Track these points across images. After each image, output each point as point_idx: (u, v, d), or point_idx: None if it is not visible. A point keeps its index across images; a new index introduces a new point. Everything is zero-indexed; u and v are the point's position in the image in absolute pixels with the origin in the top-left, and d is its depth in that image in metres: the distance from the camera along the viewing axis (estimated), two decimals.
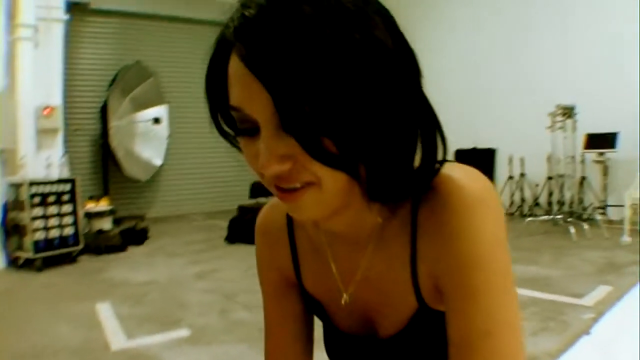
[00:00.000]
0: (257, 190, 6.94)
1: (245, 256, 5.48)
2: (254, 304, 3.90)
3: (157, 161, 8.30)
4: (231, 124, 0.62)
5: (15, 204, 5.34)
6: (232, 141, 0.65)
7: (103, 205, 6.43)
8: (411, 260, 0.68)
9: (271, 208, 0.85)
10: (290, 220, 0.81)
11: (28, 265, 5.25)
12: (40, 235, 5.23)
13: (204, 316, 3.77)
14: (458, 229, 0.61)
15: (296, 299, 0.84)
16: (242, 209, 6.60)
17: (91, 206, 6.29)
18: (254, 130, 0.58)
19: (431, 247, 0.65)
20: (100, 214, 6.23)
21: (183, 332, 3.44)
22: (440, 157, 0.63)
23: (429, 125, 0.61)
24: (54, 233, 5.34)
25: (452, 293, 0.62)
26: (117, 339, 3.41)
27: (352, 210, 0.66)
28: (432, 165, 0.63)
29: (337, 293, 0.76)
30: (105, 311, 3.94)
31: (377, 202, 0.64)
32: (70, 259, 5.49)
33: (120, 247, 5.97)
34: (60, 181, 5.57)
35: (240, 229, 6.23)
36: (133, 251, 6.04)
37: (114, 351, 3.23)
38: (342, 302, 0.75)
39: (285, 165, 0.56)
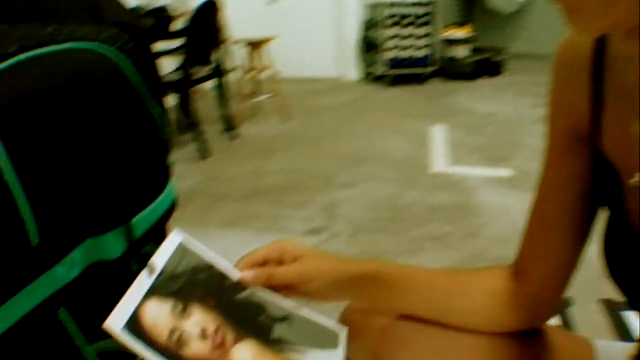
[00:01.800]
0: None
1: None
2: None
3: None
4: None
5: (372, 23, 5.56)
6: None
7: (462, 32, 6.23)
8: None
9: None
10: (599, 52, 0.58)
11: (380, 80, 5.56)
12: (393, 54, 5.40)
13: (532, 162, 3.44)
14: None
15: (583, 162, 0.64)
16: None
17: (450, 32, 6.16)
18: None
19: None
20: (457, 41, 6.07)
21: (506, 172, 3.21)
22: None
23: None
24: (407, 53, 5.45)
25: None
26: (440, 161, 3.39)
27: None
28: None
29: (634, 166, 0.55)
30: (438, 133, 3.94)
31: None
32: (419, 80, 5.61)
33: (471, 76, 5.80)
34: (419, 4, 5.52)
35: None
36: (483, 82, 5.82)
37: (433, 172, 3.23)
38: (631, 182, 0.55)
39: None
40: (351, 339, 0.81)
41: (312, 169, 3.35)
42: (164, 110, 0.85)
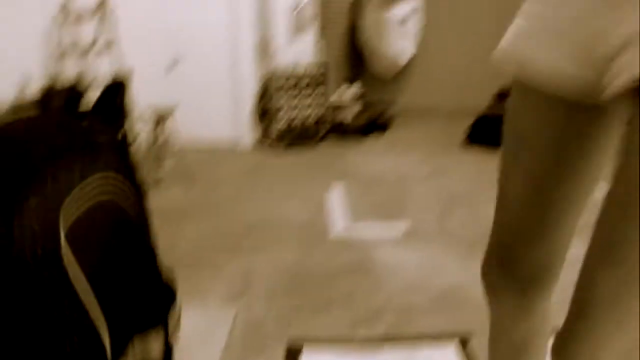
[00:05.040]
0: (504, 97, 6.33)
1: (481, 160, 5.15)
2: (476, 214, 3.69)
3: (405, 57, 8.06)
4: None
5: (264, 92, 5.79)
6: None
7: (350, 92, 6.61)
8: None
9: None
10: None
11: (275, 145, 5.73)
12: (286, 120, 5.69)
13: (425, 214, 3.73)
14: None
15: None
16: (491, 108, 6.18)
17: (338, 94, 6.52)
18: None
19: None
20: (345, 103, 6.43)
21: (401, 226, 3.47)
22: None
23: None
24: (300, 119, 5.72)
25: None
26: (337, 224, 3.58)
27: None
28: None
29: None
30: (333, 196, 4.14)
31: None
32: (313, 143, 5.83)
33: (362, 134, 6.16)
34: (309, 69, 5.89)
35: (485, 129, 5.83)
36: (373, 142, 6.13)
37: (333, 238, 3.42)
38: None
39: None
40: None
41: (219, 237, 3.46)
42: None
